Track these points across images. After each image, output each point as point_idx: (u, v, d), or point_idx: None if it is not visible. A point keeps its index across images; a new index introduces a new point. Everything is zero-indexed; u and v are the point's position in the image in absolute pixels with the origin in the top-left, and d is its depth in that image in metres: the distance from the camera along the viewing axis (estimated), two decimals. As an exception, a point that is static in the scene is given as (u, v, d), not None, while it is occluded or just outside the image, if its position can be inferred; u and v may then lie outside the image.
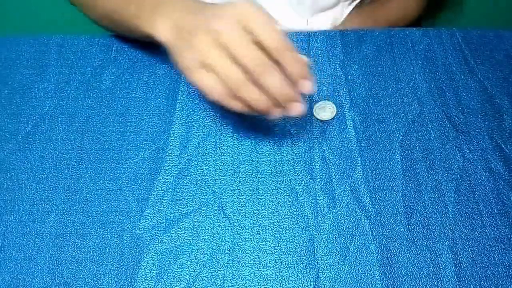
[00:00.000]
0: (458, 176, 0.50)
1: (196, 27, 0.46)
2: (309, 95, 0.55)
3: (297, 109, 0.46)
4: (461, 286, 0.44)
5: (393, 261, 0.45)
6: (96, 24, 0.64)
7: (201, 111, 0.55)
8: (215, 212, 0.48)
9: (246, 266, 0.45)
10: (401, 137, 0.53)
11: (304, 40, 0.61)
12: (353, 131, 0.53)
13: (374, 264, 0.45)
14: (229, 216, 0.48)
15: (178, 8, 0.50)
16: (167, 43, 0.49)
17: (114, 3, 0.57)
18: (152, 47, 0.61)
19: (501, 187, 0.49)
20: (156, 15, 0.51)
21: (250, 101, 0.45)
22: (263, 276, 0.45)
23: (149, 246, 0.46)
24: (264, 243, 0.46)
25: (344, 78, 0.58)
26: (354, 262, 0.45)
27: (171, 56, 0.49)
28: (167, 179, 0.50)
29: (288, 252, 0.46)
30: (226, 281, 0.44)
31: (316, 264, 0.45)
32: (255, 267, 0.45)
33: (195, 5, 0.50)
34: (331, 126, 0.54)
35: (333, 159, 0.51)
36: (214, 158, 0.52)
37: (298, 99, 0.46)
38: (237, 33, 0.44)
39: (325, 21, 0.71)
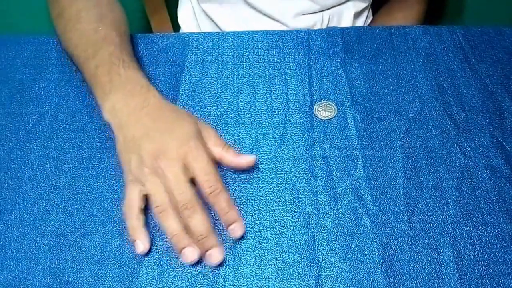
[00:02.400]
0: (459, 173, 0.50)
1: (139, 147, 0.47)
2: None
3: (212, 258, 0.45)
4: (462, 284, 0.44)
5: (395, 259, 0.45)
6: None
7: (201, 109, 0.55)
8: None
9: (247, 264, 0.45)
10: (402, 135, 0.53)
11: (304, 38, 0.61)
12: (354, 129, 0.53)
13: (376, 262, 0.45)
14: (230, 215, 0.48)
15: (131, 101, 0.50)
16: (111, 127, 0.50)
17: (74, 44, 0.56)
18: (152, 47, 0.61)
19: (502, 184, 0.49)
20: (108, 96, 0.51)
21: (167, 228, 0.45)
22: (265, 274, 0.45)
23: (151, 245, 0.46)
24: (265, 241, 0.46)
25: (344, 76, 0.58)
26: (356, 260, 0.45)
27: (114, 135, 0.50)
28: (168, 177, 0.50)
29: (290, 251, 0.46)
30: (227, 279, 0.44)
31: (317, 262, 0.45)
32: (256, 266, 0.45)
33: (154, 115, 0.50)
34: (332, 125, 0.54)
35: (334, 157, 0.51)
36: (215, 157, 0.52)
37: (215, 246, 0.45)
38: (177, 169, 0.46)
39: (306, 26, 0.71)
